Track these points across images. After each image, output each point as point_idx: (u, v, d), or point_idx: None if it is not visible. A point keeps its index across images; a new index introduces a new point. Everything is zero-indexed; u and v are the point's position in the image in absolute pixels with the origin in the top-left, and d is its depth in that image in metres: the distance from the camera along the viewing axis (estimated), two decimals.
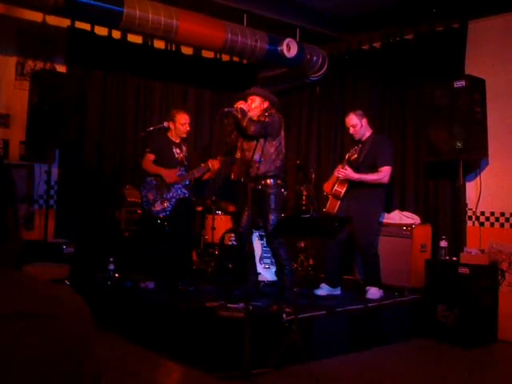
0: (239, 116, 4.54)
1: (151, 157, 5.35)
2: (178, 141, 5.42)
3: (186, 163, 5.39)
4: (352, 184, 5.13)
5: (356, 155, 5.20)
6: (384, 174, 5.09)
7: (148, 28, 5.10)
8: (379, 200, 5.23)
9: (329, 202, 5.31)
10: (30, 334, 0.81)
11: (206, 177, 5.49)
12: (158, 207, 5.24)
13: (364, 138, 5.26)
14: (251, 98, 4.76)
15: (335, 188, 5.22)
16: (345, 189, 5.17)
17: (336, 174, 5.27)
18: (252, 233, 5.22)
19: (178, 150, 5.40)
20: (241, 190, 4.96)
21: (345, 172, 5.09)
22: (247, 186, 4.30)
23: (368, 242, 5.15)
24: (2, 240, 0.90)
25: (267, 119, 4.64)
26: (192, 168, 5.39)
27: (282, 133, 4.87)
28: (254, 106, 4.71)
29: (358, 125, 5.21)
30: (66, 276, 4.89)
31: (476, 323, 4.86)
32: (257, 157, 4.61)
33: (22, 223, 5.44)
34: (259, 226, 5.16)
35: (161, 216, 5.24)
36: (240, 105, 4.60)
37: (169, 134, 5.43)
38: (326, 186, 5.41)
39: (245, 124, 4.52)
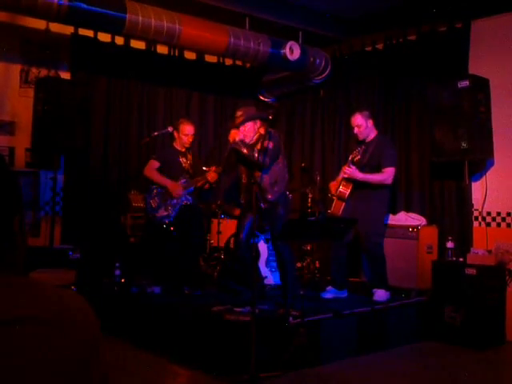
0: (246, 152, 4.54)
1: (155, 164, 5.39)
2: (183, 150, 5.49)
3: (191, 171, 5.45)
4: (357, 185, 5.12)
5: (359, 156, 5.18)
6: (388, 174, 5.08)
7: (151, 33, 5.11)
8: (384, 201, 5.21)
9: (333, 204, 5.29)
10: (39, 338, 0.82)
11: (206, 187, 5.50)
12: (161, 213, 5.28)
13: (368, 140, 5.24)
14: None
15: (340, 189, 5.21)
16: (349, 190, 5.16)
17: (341, 174, 5.26)
18: (256, 237, 5.21)
19: (184, 159, 5.48)
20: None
21: (350, 170, 5.08)
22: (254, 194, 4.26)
23: (374, 244, 5.13)
24: (9, 248, 0.91)
25: (270, 145, 4.61)
26: (196, 175, 5.43)
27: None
28: (248, 129, 4.72)
29: (362, 125, 5.19)
30: (72, 282, 4.90)
31: (483, 324, 4.83)
32: (272, 180, 4.63)
33: (27, 230, 5.46)
34: (265, 229, 5.16)
35: (166, 221, 5.27)
36: (237, 138, 4.61)
37: (174, 144, 5.51)
38: (332, 186, 5.38)
39: (257, 160, 4.51)
